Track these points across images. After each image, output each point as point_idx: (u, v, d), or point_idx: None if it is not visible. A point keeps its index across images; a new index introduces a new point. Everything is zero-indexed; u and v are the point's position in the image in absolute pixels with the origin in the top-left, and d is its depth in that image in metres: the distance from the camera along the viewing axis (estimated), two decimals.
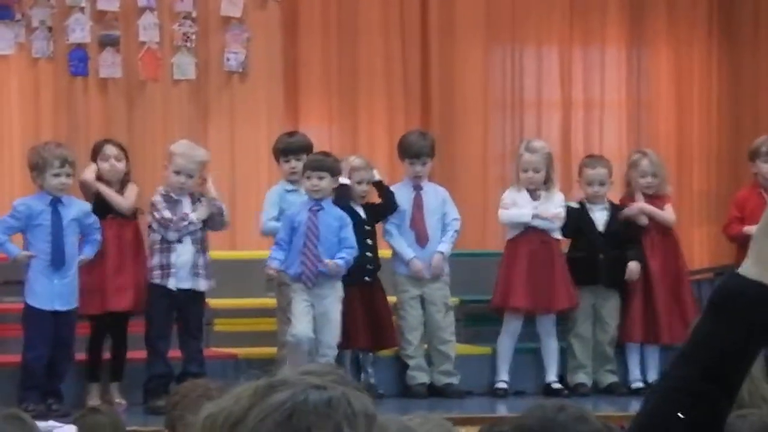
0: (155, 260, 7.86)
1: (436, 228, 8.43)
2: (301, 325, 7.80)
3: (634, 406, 7.54)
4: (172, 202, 7.91)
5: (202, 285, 7.88)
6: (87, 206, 7.84)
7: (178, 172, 7.88)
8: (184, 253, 7.84)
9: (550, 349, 8.52)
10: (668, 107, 10.82)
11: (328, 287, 7.85)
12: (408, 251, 8.36)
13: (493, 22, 10.44)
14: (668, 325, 8.52)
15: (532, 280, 8.40)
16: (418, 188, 8.51)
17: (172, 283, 7.80)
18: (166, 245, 7.86)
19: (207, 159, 8.08)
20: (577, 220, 8.57)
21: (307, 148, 8.32)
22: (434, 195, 8.54)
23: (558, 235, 8.54)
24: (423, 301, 8.39)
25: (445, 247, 8.39)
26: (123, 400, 7.81)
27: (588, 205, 8.65)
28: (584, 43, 10.68)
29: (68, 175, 7.76)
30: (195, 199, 7.98)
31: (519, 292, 8.39)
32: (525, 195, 8.49)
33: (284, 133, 8.70)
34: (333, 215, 7.89)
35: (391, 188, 8.57)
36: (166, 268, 7.83)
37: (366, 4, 10.18)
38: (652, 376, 8.59)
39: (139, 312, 7.98)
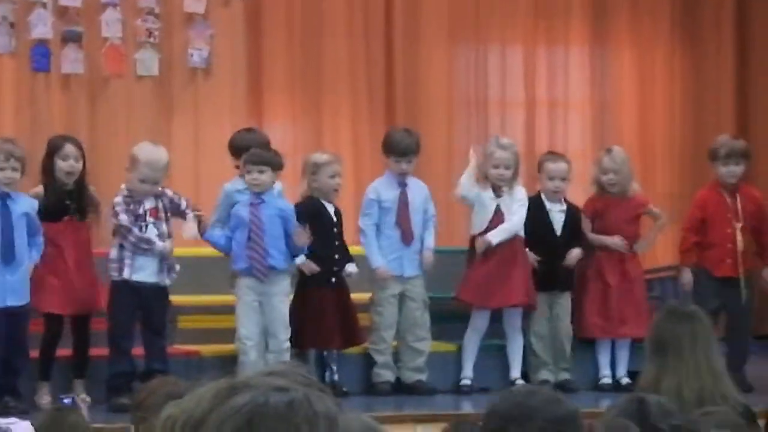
0: (113, 254, 7.81)
1: (419, 225, 8.45)
2: (247, 327, 7.82)
3: (598, 402, 7.55)
4: (135, 203, 7.85)
5: (167, 279, 7.85)
6: (35, 203, 7.75)
7: (143, 181, 7.82)
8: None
9: (516, 345, 8.54)
10: (631, 107, 10.86)
11: (275, 283, 7.85)
12: (377, 258, 8.34)
13: (457, 22, 10.45)
14: (622, 321, 8.59)
15: (497, 277, 8.43)
16: (403, 185, 8.49)
17: (127, 274, 7.75)
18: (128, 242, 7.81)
19: (168, 160, 8.03)
20: (535, 219, 8.56)
21: (265, 145, 8.28)
22: (418, 191, 8.53)
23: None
24: (401, 297, 8.39)
25: (431, 243, 8.42)
26: (87, 397, 7.77)
27: (547, 205, 8.64)
28: (548, 43, 10.71)
29: (14, 170, 7.68)
30: (157, 198, 7.92)
31: (482, 289, 8.42)
32: (489, 192, 8.49)
33: (242, 129, 8.64)
34: (275, 207, 7.88)
35: (375, 184, 8.55)
36: (122, 261, 7.78)
37: (330, 1, 10.17)
38: (621, 371, 8.64)
39: (100, 309, 7.93)
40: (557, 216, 8.63)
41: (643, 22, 10.82)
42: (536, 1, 10.62)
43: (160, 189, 7.90)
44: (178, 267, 7.90)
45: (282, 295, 7.87)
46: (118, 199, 7.84)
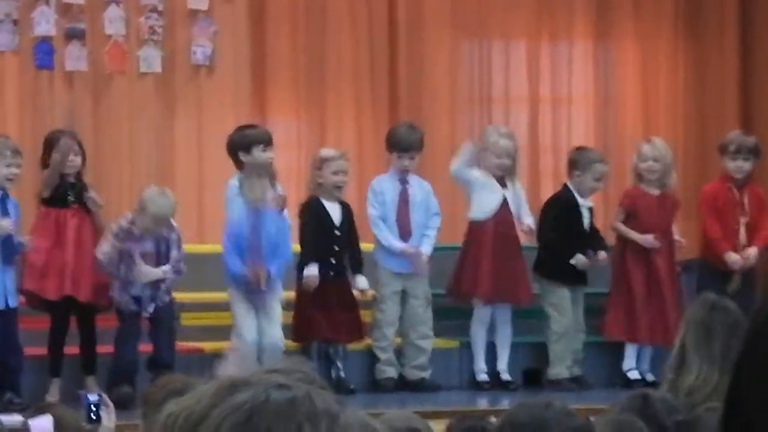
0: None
1: (419, 222, 8.45)
2: (244, 329, 7.84)
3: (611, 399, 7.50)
4: (132, 241, 7.80)
5: (152, 308, 7.84)
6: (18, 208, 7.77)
7: (147, 230, 7.81)
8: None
9: (505, 338, 8.53)
10: (635, 102, 10.84)
11: (267, 287, 7.86)
12: (396, 243, 8.34)
13: (461, 17, 10.43)
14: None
15: (496, 269, 8.42)
16: (404, 182, 8.50)
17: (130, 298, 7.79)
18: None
19: (174, 205, 7.97)
20: (568, 214, 8.56)
21: (268, 140, 8.29)
22: (419, 189, 8.55)
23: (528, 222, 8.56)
24: (404, 295, 8.39)
25: (427, 248, 8.40)
26: (104, 394, 7.76)
27: (579, 200, 8.64)
28: (552, 38, 10.69)
29: (18, 166, 7.71)
30: (158, 241, 7.87)
31: (484, 281, 8.41)
32: (493, 181, 8.50)
33: (244, 125, 8.61)
34: (274, 219, 7.89)
35: (377, 180, 8.55)
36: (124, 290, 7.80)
37: None
38: (644, 368, 8.56)
39: (103, 307, 7.94)
40: (585, 212, 8.67)
41: (647, 16, 10.80)
42: None
43: (166, 232, 7.85)
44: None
45: (273, 297, 7.90)
46: (119, 227, 7.78)
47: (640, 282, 8.57)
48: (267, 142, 8.16)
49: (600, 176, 8.66)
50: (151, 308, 7.79)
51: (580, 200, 8.62)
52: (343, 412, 1.37)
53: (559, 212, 8.56)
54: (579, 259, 8.45)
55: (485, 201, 8.45)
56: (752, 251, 8.63)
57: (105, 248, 7.72)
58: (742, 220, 8.69)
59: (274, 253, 7.87)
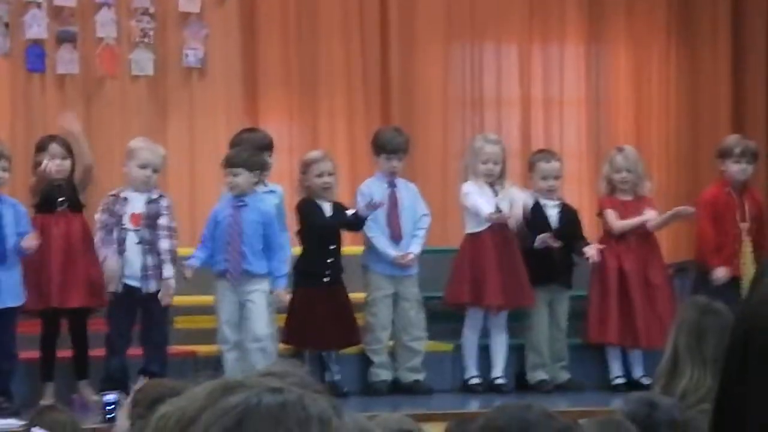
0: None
1: (410, 224, 8.45)
2: (225, 328, 7.82)
3: (609, 402, 7.49)
4: (120, 203, 7.80)
5: (152, 286, 7.80)
6: (23, 209, 7.72)
7: (144, 166, 7.82)
8: (129, 255, 7.77)
9: (500, 344, 8.52)
10: (627, 105, 10.85)
11: (253, 283, 7.83)
12: (390, 251, 8.34)
13: (453, 19, 10.44)
14: (646, 329, 8.47)
15: (502, 276, 8.40)
16: (392, 185, 8.50)
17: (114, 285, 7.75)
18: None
19: (165, 153, 8.10)
20: (531, 215, 8.56)
21: (270, 145, 8.31)
22: (407, 191, 8.55)
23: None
24: (395, 297, 8.39)
25: (416, 248, 8.40)
26: (95, 397, 7.75)
27: (541, 201, 8.64)
28: (544, 41, 10.69)
29: (4, 170, 7.67)
30: (150, 200, 7.86)
31: (492, 289, 8.38)
32: (486, 189, 8.49)
33: (244, 129, 8.63)
34: (257, 212, 7.86)
35: (366, 183, 8.54)
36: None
37: (325, 0, 10.16)
38: (638, 372, 8.56)
39: (96, 308, 7.92)
40: (552, 211, 8.63)
41: (639, 19, 10.81)
42: None
43: (156, 194, 7.86)
44: (170, 274, 7.80)
45: (260, 292, 7.84)
46: (105, 199, 7.86)
47: (615, 285, 8.55)
48: (230, 165, 7.98)
49: (546, 175, 8.61)
50: (152, 285, 7.74)
51: (542, 201, 8.61)
52: (336, 417, 1.36)
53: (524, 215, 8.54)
54: (539, 239, 8.43)
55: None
56: None
57: (98, 217, 7.76)
58: (743, 226, 8.65)
59: (267, 246, 7.85)
